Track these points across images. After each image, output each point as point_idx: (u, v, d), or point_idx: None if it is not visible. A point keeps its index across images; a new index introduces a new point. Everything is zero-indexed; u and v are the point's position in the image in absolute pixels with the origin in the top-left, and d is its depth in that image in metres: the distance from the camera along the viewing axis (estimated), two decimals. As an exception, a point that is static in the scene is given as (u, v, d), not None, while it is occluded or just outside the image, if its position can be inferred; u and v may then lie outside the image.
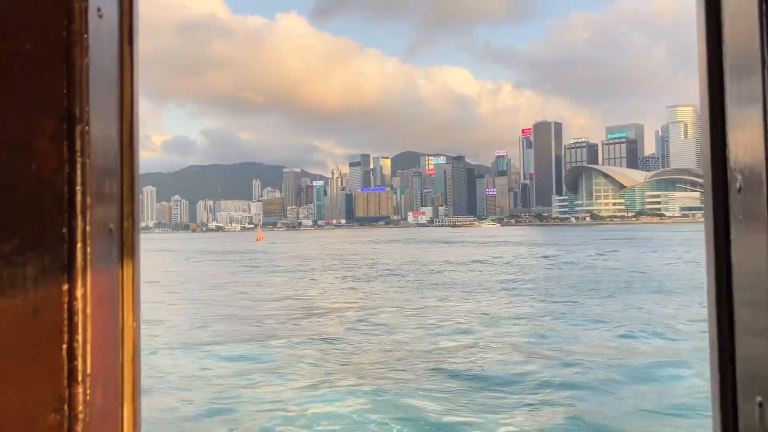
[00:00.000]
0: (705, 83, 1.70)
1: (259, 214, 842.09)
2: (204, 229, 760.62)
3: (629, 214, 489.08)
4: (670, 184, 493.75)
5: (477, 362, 22.63)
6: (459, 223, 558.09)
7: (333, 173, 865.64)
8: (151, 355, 23.80)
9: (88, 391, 1.34)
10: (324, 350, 25.22)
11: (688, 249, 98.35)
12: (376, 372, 21.36)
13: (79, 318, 1.34)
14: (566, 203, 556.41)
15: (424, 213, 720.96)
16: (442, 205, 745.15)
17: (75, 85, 1.36)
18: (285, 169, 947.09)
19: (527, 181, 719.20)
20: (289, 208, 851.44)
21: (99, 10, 1.47)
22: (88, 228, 1.37)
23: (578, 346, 25.57)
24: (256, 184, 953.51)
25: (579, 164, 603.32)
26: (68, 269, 1.34)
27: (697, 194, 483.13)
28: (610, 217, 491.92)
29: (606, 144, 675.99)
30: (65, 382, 1.32)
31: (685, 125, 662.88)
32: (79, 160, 1.35)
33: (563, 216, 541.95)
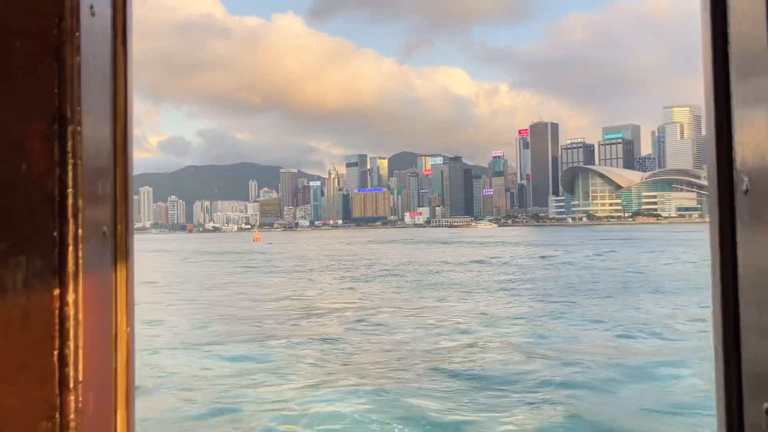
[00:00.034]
0: (710, 83, 1.67)
1: (256, 214, 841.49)
2: (201, 229, 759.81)
3: (626, 215, 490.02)
4: (667, 185, 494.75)
5: (477, 362, 22.71)
6: (456, 224, 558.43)
7: (330, 174, 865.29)
8: (153, 354, 23.86)
9: (80, 399, 1.32)
10: (324, 350, 25.26)
11: (685, 249, 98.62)
12: (376, 372, 21.42)
13: (71, 324, 1.32)
14: (563, 204, 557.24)
15: (421, 213, 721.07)
16: (439, 206, 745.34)
17: (66, 85, 1.34)
18: (282, 170, 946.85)
19: (524, 182, 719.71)
20: (285, 208, 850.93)
21: (91, 8, 1.44)
22: (80, 231, 1.34)
23: (577, 345, 25.67)
24: (252, 184, 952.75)
25: (575, 165, 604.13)
26: (59, 274, 1.31)
27: (693, 195, 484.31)
28: (606, 217, 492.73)
29: (602, 144, 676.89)
30: (56, 390, 1.30)
31: (682, 126, 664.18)
32: (70, 161, 1.33)
33: (560, 216, 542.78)
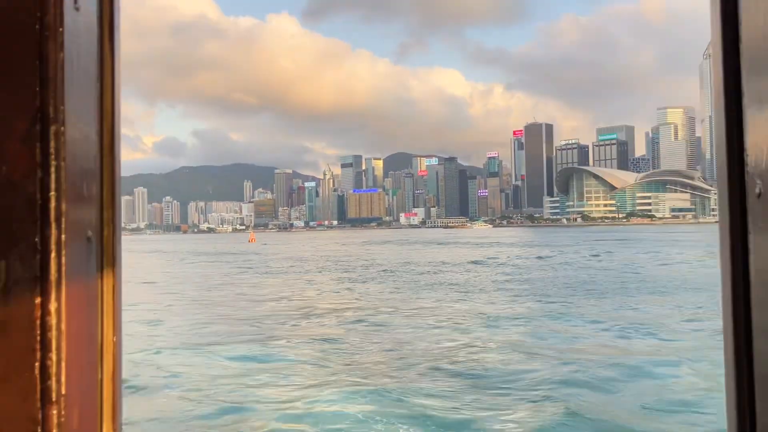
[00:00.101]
0: (720, 82, 1.62)
1: (251, 215, 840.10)
2: (195, 230, 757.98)
3: (620, 216, 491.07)
4: (661, 186, 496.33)
5: (477, 361, 22.85)
6: (451, 224, 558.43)
7: (325, 174, 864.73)
8: (155, 355, 23.93)
9: (63, 413, 1.26)
10: (325, 350, 25.35)
11: (680, 250, 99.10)
12: (378, 371, 21.53)
13: (53, 334, 1.25)
14: (557, 204, 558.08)
15: (416, 214, 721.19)
16: (434, 206, 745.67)
17: (49, 83, 1.28)
18: (276, 170, 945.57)
19: (519, 183, 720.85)
20: (280, 209, 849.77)
21: (75, 2, 1.38)
22: (63, 236, 1.28)
23: (576, 345, 25.84)
24: (247, 185, 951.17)
25: (570, 166, 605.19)
26: (41, 281, 1.25)
27: (687, 195, 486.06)
28: (601, 218, 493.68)
29: (597, 145, 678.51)
30: (38, 404, 1.24)
31: (675, 127, 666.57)
32: (53, 163, 1.27)
33: (554, 217, 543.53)
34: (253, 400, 18.10)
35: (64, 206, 1.28)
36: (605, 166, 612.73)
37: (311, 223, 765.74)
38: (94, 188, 1.49)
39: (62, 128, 1.28)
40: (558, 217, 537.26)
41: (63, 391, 1.26)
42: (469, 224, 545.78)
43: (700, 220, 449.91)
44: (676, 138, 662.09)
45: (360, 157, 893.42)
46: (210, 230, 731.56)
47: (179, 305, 41.94)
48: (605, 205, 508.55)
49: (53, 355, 1.25)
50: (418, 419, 16.21)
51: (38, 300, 1.24)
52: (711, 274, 56.38)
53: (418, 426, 15.75)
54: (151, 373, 21.38)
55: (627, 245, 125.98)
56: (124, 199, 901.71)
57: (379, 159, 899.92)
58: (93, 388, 1.49)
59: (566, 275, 60.38)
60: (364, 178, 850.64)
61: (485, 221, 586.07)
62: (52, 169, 1.26)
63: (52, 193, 1.26)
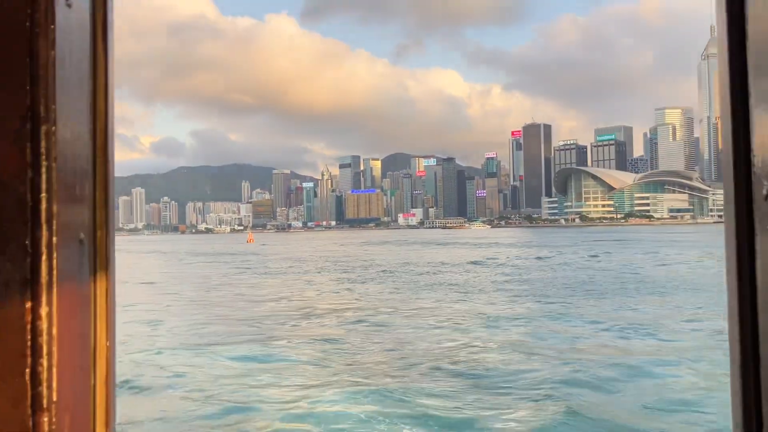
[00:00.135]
0: (726, 81, 1.60)
1: (249, 215, 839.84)
2: (193, 230, 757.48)
3: (618, 216, 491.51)
4: (659, 186, 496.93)
5: (478, 361, 22.92)
6: (449, 225, 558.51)
7: (323, 175, 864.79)
8: (157, 355, 23.98)
9: (54, 420, 1.23)
10: (326, 350, 25.40)
11: (679, 251, 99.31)
12: (379, 371, 21.59)
13: (44, 339, 1.22)
14: (555, 205, 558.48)
15: (414, 215, 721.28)
16: (432, 207, 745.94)
17: (40, 81, 1.25)
18: (275, 171, 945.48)
19: (517, 183, 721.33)
20: (278, 209, 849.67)
21: None
22: (54, 238, 1.25)
23: (576, 345, 25.90)
24: (245, 185, 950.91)
25: (568, 166, 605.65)
26: (31, 285, 1.22)
27: (685, 196, 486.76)
28: (599, 218, 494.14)
29: (595, 146, 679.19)
30: (29, 410, 1.21)
31: (674, 127, 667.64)
32: (44, 163, 1.24)
33: (553, 218, 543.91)
34: (256, 400, 18.15)
35: (55, 207, 1.25)
36: (603, 167, 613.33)
37: (309, 224, 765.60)
38: (86, 189, 1.46)
39: (53, 128, 1.26)
40: (556, 217, 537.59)
41: (54, 398, 1.24)
42: (467, 225, 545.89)
43: (698, 220, 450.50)
44: (674, 138, 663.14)
45: (358, 157, 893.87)
46: (208, 231, 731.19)
47: (178, 305, 41.98)
48: (603, 206, 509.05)
49: (44, 361, 1.22)
50: (420, 419, 16.27)
51: (29, 304, 1.22)
52: (710, 275, 56.52)
53: (421, 425, 15.82)
54: (153, 373, 21.44)
55: (625, 246, 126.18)
56: (121, 200, 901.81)
57: (378, 159, 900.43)
58: (86, 394, 1.46)
59: (565, 276, 60.49)
60: (362, 178, 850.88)
61: (483, 222, 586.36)
62: (43, 170, 1.24)
63: (43, 194, 1.23)
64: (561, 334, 28.36)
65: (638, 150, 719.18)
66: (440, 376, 20.74)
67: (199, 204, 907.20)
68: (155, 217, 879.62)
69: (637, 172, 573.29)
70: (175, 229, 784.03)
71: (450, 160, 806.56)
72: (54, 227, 1.24)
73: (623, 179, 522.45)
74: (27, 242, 1.22)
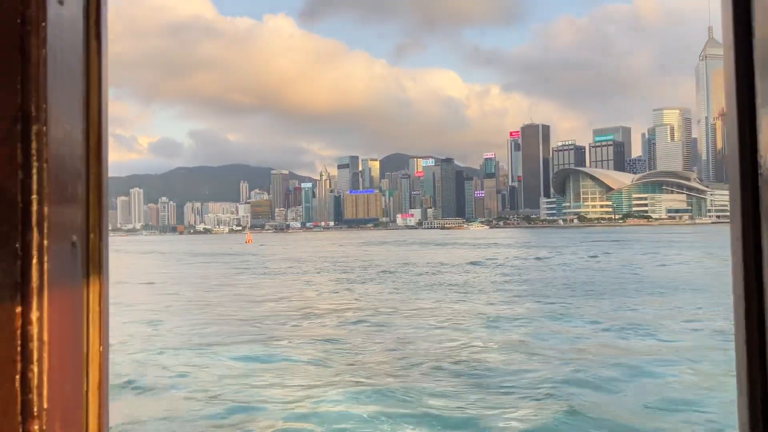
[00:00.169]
0: (732, 83, 1.58)
1: (247, 216, 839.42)
2: (191, 231, 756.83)
3: (616, 217, 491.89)
4: (657, 187, 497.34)
5: (480, 361, 22.99)
6: (448, 225, 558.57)
7: (321, 175, 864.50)
8: (159, 355, 24.03)
9: (45, 427, 1.20)
10: (328, 351, 25.46)
11: (678, 251, 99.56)
12: (381, 371, 21.65)
13: (35, 345, 1.19)
14: (554, 205, 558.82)
15: (412, 215, 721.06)
16: (430, 207, 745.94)
17: (31, 80, 1.22)
18: (273, 171, 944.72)
19: (515, 184, 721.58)
20: (277, 210, 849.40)
21: None
22: (45, 241, 1.21)
23: (577, 345, 25.98)
24: (243, 185, 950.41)
25: (566, 167, 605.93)
26: (22, 289, 1.19)
27: (683, 196, 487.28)
28: (597, 219, 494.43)
29: (593, 146, 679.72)
30: (19, 418, 1.18)
31: (672, 128, 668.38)
32: (35, 164, 1.21)
33: (551, 218, 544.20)
34: (259, 400, 18.20)
35: (46, 210, 1.22)
36: (602, 167, 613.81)
37: (308, 224, 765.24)
38: (79, 191, 1.43)
39: (44, 128, 1.23)
40: (554, 218, 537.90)
41: (45, 405, 1.20)
42: (465, 225, 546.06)
43: (697, 221, 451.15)
44: (672, 139, 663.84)
45: (357, 158, 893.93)
46: (206, 231, 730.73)
47: (179, 306, 42.01)
48: (602, 206, 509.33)
49: (35, 367, 1.19)
50: (422, 418, 16.34)
51: (19, 309, 1.19)
52: (709, 275, 56.65)
53: (423, 425, 15.89)
54: (155, 373, 21.49)
55: (624, 246, 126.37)
56: (119, 200, 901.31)
57: (376, 160, 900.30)
58: (78, 401, 1.43)
59: (565, 276, 60.59)
60: (360, 179, 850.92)
61: (482, 222, 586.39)
62: (34, 171, 1.21)
63: (34, 195, 1.21)
64: (561, 334, 28.45)
65: (636, 150, 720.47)
66: (442, 376, 20.81)
67: (198, 204, 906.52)
68: (153, 218, 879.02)
69: (635, 173, 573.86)
70: (174, 230, 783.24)
71: (448, 160, 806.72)
72: (45, 230, 1.22)
73: (621, 180, 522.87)
74: (17, 245, 1.19)
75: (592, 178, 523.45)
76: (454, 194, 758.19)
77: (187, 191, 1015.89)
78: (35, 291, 1.19)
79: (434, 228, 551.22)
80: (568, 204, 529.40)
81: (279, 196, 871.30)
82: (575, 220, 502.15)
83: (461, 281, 56.97)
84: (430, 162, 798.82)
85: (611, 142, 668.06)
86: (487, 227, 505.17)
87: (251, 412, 17.14)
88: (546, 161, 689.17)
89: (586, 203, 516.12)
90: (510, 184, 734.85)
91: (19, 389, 1.17)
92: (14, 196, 1.19)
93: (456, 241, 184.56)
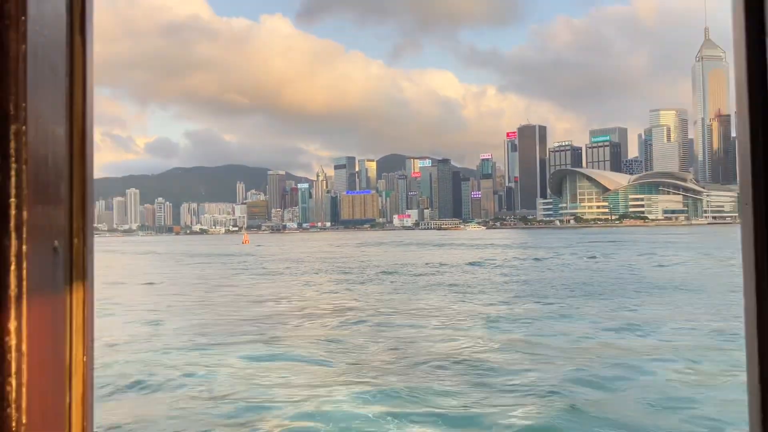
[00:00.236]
0: (744, 80, 1.53)
1: (243, 216, 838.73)
2: (188, 231, 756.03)
3: (613, 217, 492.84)
4: (653, 188, 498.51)
5: (482, 360, 23.12)
6: (445, 226, 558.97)
7: (318, 176, 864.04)
8: (162, 355, 24.16)
9: None
10: (330, 350, 25.58)
11: (675, 251, 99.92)
12: (384, 371, 21.78)
13: (12, 356, 1.13)
14: (551, 206, 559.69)
15: (409, 216, 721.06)
16: (427, 208, 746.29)
17: (9, 78, 1.16)
18: (269, 172, 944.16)
19: (512, 184, 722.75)
20: (273, 210, 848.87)
21: None
22: (24, 247, 1.16)
23: (577, 345, 26.15)
24: (240, 186, 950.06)
25: (563, 167, 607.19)
26: None
27: (679, 197, 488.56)
28: (594, 220, 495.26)
29: (590, 147, 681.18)
30: None
31: (668, 129, 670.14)
32: (13, 166, 1.15)
33: (548, 219, 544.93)
34: (264, 399, 18.32)
35: (25, 214, 1.17)
36: (598, 168, 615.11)
37: (304, 225, 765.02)
38: (62, 193, 1.37)
39: (24, 127, 1.17)
40: (551, 218, 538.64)
41: (24, 420, 1.15)
42: (462, 226, 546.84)
43: (693, 221, 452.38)
44: (668, 140, 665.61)
45: (353, 158, 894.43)
46: (203, 231, 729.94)
47: (179, 306, 42.07)
48: (598, 207, 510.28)
49: (12, 380, 1.13)
50: (428, 417, 16.49)
51: None
52: (706, 276, 56.93)
53: (429, 423, 16.03)
54: (159, 372, 21.59)
55: (622, 247, 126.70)
56: (115, 201, 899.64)
57: (373, 160, 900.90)
58: (60, 415, 1.37)
59: (564, 276, 60.81)
60: (357, 179, 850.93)
61: (478, 223, 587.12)
62: (12, 173, 1.15)
63: (12, 199, 1.15)
64: (562, 334, 28.62)
65: (633, 151, 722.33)
66: (445, 375, 20.95)
67: (194, 205, 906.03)
68: (150, 218, 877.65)
69: (631, 174, 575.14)
70: (170, 230, 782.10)
71: (445, 161, 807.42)
72: (24, 234, 1.16)
73: (618, 180, 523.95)
74: None
75: (589, 178, 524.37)
76: (450, 195, 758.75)
77: (183, 192, 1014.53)
78: (13, 299, 1.14)
79: (431, 229, 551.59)
80: (564, 205, 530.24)
81: (275, 197, 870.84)
82: (572, 221, 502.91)
83: (461, 281, 57.14)
84: (427, 163, 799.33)
85: (608, 143, 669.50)
86: (484, 228, 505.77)
87: (256, 411, 17.25)
88: (543, 162, 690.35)
89: (582, 204, 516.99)
90: (507, 184, 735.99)
91: None
92: None
93: (453, 242, 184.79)
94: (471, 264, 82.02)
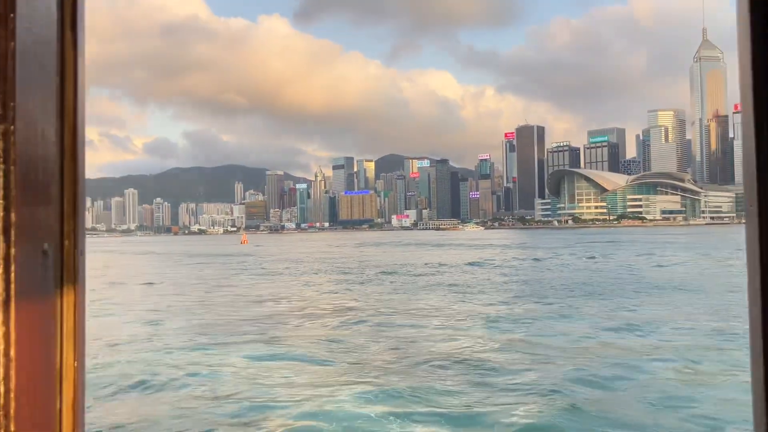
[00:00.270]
0: (749, 76, 1.50)
1: (242, 216, 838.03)
2: (186, 232, 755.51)
3: (611, 218, 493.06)
4: (651, 188, 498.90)
5: (483, 360, 23.22)
6: (443, 227, 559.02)
7: (316, 176, 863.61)
8: (163, 354, 24.22)
9: None
10: (332, 350, 25.66)
11: (673, 252, 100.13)
12: (386, 370, 21.86)
13: (1, 361, 1.11)
14: (549, 207, 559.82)
15: (408, 216, 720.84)
16: (426, 209, 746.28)
17: None
18: (268, 172, 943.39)
19: (510, 185, 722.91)
20: (272, 210, 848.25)
21: None
22: (12, 250, 1.13)
23: (578, 345, 26.26)
24: (238, 186, 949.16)
25: (561, 168, 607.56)
26: None
27: (677, 198, 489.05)
28: (592, 220, 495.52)
29: (588, 148, 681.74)
30: None
31: (666, 129, 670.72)
32: (1, 166, 1.13)
33: (546, 219, 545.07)
34: (266, 399, 18.40)
35: (14, 216, 1.13)
36: (596, 169, 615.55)
37: (303, 225, 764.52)
38: (52, 194, 1.32)
39: (12, 127, 1.14)
40: (549, 219, 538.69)
41: (12, 427, 1.12)
42: (460, 226, 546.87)
43: (691, 222, 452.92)
44: (666, 140, 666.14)
45: (351, 158, 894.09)
46: (201, 232, 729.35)
47: (179, 306, 42.11)
48: (596, 207, 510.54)
49: (0, 386, 1.11)
50: (429, 416, 16.58)
51: None
52: (704, 276, 57.09)
53: (431, 422, 16.12)
54: (161, 372, 21.67)
55: (620, 247, 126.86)
56: (114, 201, 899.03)
57: (371, 161, 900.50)
58: (50, 421, 1.33)
59: (563, 277, 60.94)
60: (355, 179, 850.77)
61: (477, 223, 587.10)
62: (0, 174, 1.13)
63: (0, 201, 1.13)
64: (562, 334, 28.72)
65: (631, 152, 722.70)
66: (445, 375, 21.04)
67: (192, 205, 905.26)
68: (148, 218, 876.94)
69: (629, 174, 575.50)
70: (168, 230, 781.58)
71: (443, 161, 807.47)
72: (12, 237, 1.13)
73: (616, 181, 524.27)
74: None
75: (587, 179, 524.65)
76: (449, 195, 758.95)
77: (181, 192, 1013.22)
78: (1, 304, 1.12)
79: (429, 229, 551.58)
80: (562, 205, 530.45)
81: (274, 197, 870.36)
82: (570, 221, 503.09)
83: (461, 282, 57.24)
84: (426, 163, 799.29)
85: (606, 144, 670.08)
86: (482, 228, 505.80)
87: (259, 410, 17.33)
88: (541, 162, 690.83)
89: (580, 204, 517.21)
90: (505, 185, 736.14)
91: None
92: None
93: (452, 242, 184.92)
94: (470, 264, 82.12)
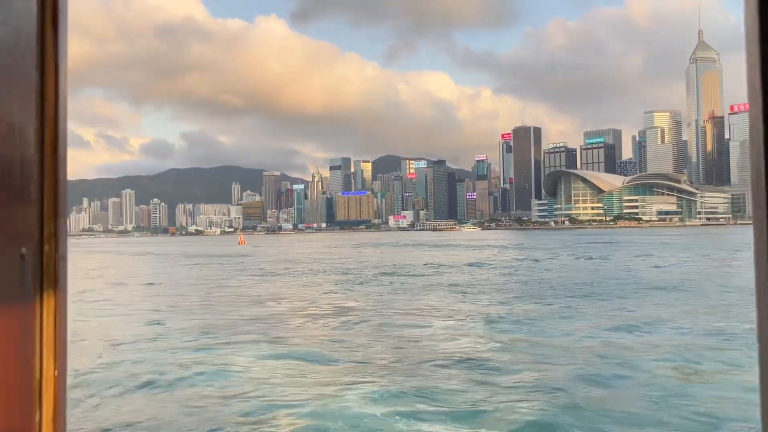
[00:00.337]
0: (757, 75, 1.46)
1: (239, 217, 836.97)
2: (183, 232, 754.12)
3: (607, 219, 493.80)
4: (648, 189, 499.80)
5: (484, 360, 23.43)
6: (440, 227, 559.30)
7: (313, 177, 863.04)
8: (169, 354, 24.37)
9: None
10: (335, 350, 25.84)
11: (672, 253, 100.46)
12: (389, 369, 22.05)
13: None
14: (545, 207, 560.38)
15: (405, 217, 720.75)
16: (423, 209, 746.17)
17: None
18: (265, 173, 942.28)
19: (507, 186, 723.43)
20: (269, 211, 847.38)
21: None
22: None
23: (578, 344, 26.47)
24: (235, 187, 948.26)
25: (558, 169, 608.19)
26: None
27: (673, 199, 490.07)
28: (588, 221, 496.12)
29: (584, 149, 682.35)
30: None
31: (662, 130, 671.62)
32: None
33: (543, 220, 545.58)
34: (273, 398, 18.57)
35: None
36: (593, 170, 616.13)
37: (300, 226, 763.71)
38: (31, 196, 1.24)
39: None
40: (546, 220, 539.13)
41: None
42: (457, 227, 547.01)
43: (687, 223, 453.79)
44: (662, 141, 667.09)
45: (349, 159, 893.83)
46: (198, 233, 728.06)
47: (181, 306, 42.24)
48: (593, 208, 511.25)
49: None
50: (434, 414, 16.78)
51: None
52: (703, 277, 57.40)
53: (435, 420, 16.33)
54: (169, 371, 21.84)
55: (618, 248, 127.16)
56: (111, 201, 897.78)
57: (368, 162, 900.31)
58: (29, 431, 1.25)
59: (563, 277, 61.16)
60: (352, 180, 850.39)
61: (474, 224, 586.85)
62: None
63: None
64: (563, 334, 28.95)
65: (627, 153, 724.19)
66: (449, 374, 21.23)
67: (189, 206, 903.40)
68: (145, 219, 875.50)
69: (626, 175, 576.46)
70: (165, 231, 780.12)
71: (440, 162, 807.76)
72: None
73: (612, 182, 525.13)
74: None
75: (584, 180, 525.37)
76: (446, 196, 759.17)
77: (178, 193, 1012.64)
78: None
79: (426, 230, 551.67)
80: (559, 206, 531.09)
81: (271, 198, 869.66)
82: (566, 222, 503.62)
83: (461, 282, 57.43)
84: (422, 164, 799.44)
85: (602, 145, 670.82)
86: (479, 229, 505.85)
87: (266, 409, 17.50)
88: (537, 163, 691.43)
89: (577, 205, 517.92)
90: (502, 186, 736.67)
91: None
92: None
93: (449, 243, 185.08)
94: (469, 265, 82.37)
